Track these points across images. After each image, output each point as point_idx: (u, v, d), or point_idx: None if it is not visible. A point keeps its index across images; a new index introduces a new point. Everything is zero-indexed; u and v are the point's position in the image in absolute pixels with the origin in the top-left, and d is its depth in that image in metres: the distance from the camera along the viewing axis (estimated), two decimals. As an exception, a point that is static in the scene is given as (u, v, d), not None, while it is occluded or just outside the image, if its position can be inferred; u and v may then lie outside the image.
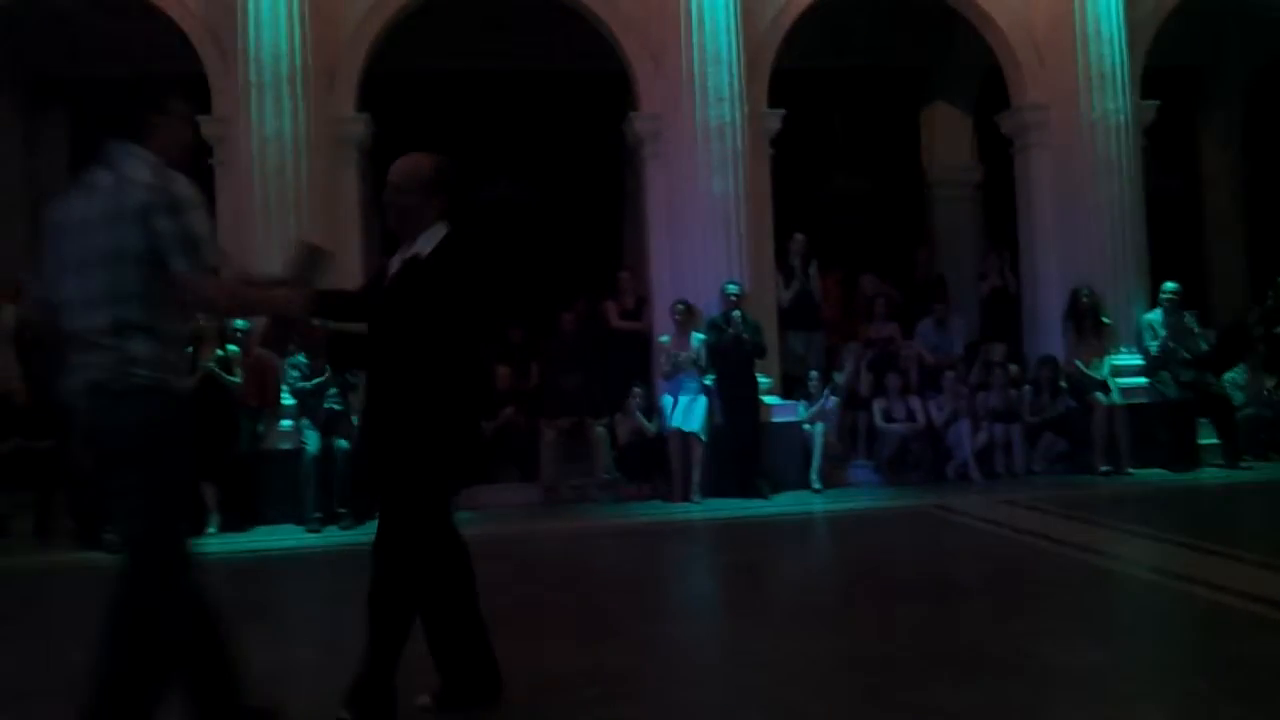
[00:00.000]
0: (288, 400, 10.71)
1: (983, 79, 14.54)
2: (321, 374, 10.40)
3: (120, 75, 13.53)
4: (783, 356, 12.27)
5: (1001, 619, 5.83)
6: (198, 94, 11.05)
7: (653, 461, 11.25)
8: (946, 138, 15.64)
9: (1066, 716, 4.30)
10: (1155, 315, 12.18)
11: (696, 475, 11.01)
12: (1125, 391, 11.91)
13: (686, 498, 10.93)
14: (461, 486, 4.36)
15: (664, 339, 11.59)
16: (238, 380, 10.33)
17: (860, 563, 8.19)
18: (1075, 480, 11.32)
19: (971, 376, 12.06)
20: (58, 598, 7.89)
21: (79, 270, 3.68)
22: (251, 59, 11.14)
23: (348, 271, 9.44)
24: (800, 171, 13.81)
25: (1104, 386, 11.81)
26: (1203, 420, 11.94)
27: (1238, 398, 12.21)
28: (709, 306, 11.48)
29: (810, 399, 11.69)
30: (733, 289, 11.31)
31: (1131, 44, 12.55)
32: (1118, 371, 12.07)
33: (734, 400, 11.26)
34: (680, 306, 11.41)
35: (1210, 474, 11.43)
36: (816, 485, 11.28)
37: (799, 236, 12.68)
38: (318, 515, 10.16)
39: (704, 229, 11.66)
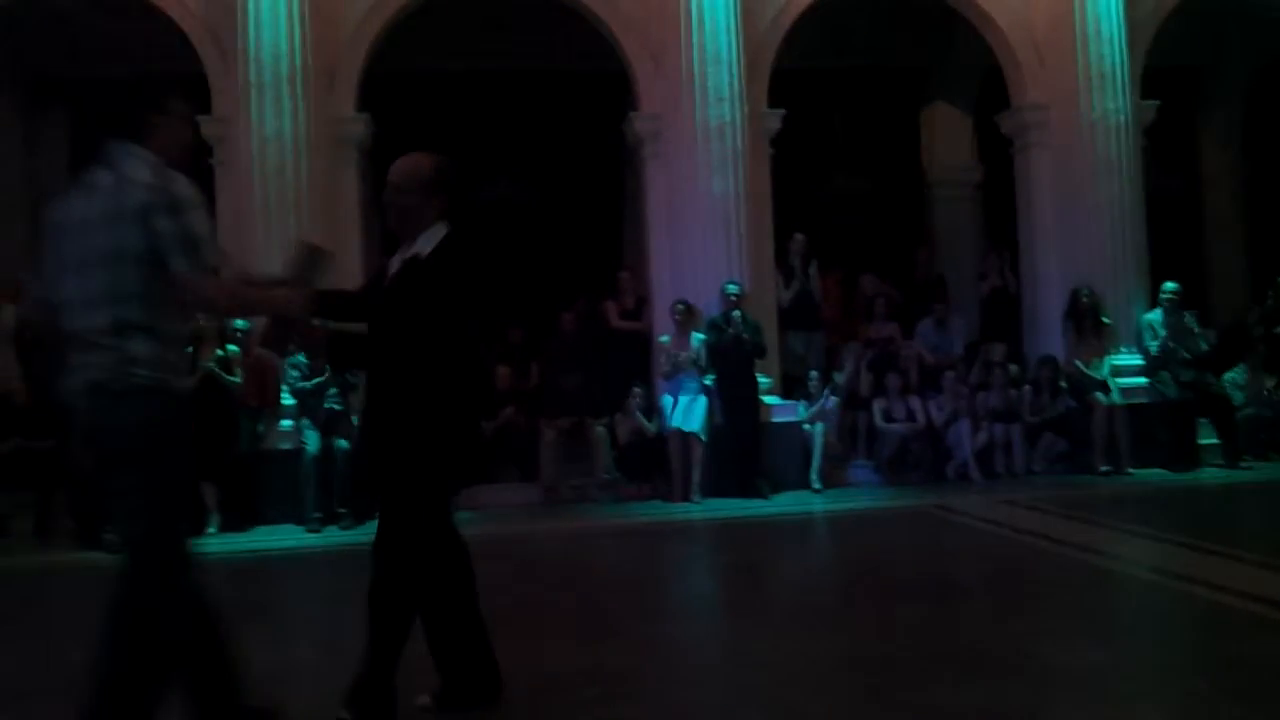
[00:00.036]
0: (288, 400, 10.71)
1: (983, 79, 14.54)
2: (321, 374, 10.40)
3: (120, 75, 13.48)
4: (783, 356, 12.26)
5: (1001, 619, 5.84)
6: (197, 94, 11.05)
7: (653, 461, 11.25)
8: (946, 138, 15.64)
9: (1066, 717, 4.30)
10: (1155, 315, 12.18)
11: (696, 475, 11.01)
12: (1125, 391, 11.91)
13: (686, 498, 10.93)
14: (461, 487, 4.36)
15: (664, 339, 11.59)
16: (238, 380, 10.33)
17: (860, 563, 8.19)
18: (1075, 480, 11.31)
19: (971, 376, 12.06)
20: (57, 598, 7.89)
21: (79, 270, 3.68)
22: (251, 59, 11.13)
23: (348, 271, 9.44)
24: (800, 171, 13.81)
25: (1104, 386, 11.81)
26: (1203, 420, 11.94)
27: (1238, 398, 12.21)
28: (709, 306, 11.48)
29: (810, 399, 11.69)
30: (733, 289, 11.31)
31: (1131, 44, 12.55)
32: (1118, 371, 12.06)
33: (734, 400, 11.26)
34: (680, 306, 11.41)
35: (1210, 474, 11.43)
36: (816, 485, 11.28)
37: (799, 236, 12.68)
38: (318, 515, 10.16)
39: (704, 229, 11.66)
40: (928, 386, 11.98)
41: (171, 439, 3.72)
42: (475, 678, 4.40)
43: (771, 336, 11.89)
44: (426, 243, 4.23)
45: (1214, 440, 11.86)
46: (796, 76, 12.92)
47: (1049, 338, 12.58)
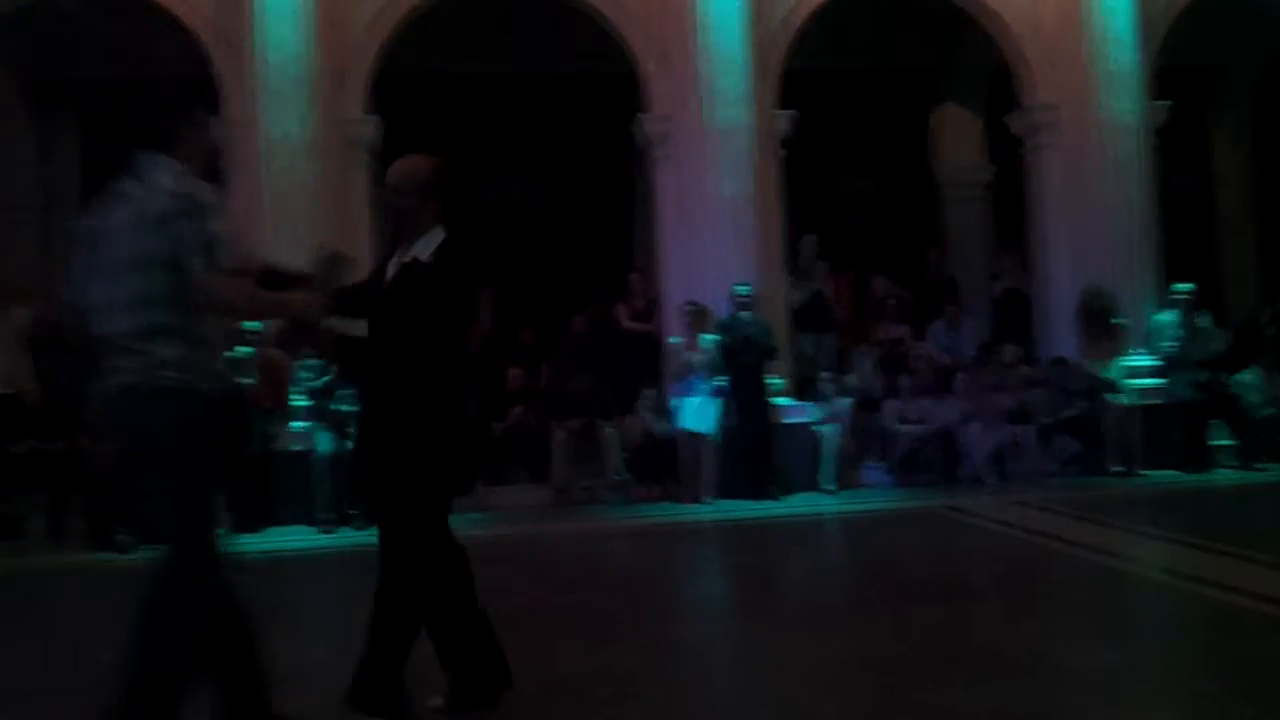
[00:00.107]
0: (299, 401, 10.73)
1: (991, 79, 14.51)
2: (330, 374, 10.41)
3: (130, 79, 13.62)
4: (794, 358, 12.25)
5: (1014, 620, 5.82)
6: (208, 97, 11.08)
7: (663, 463, 11.24)
8: (956, 138, 15.62)
9: (1078, 718, 4.28)
10: (1168, 316, 12.14)
11: (707, 476, 11.00)
12: (1138, 392, 11.87)
13: (697, 499, 10.91)
14: (459, 493, 4.35)
15: (675, 340, 11.59)
16: (251, 381, 10.35)
17: (872, 564, 8.17)
18: (1088, 482, 11.27)
19: (984, 378, 12.03)
20: (69, 599, 7.92)
21: (109, 276, 3.74)
22: (262, 61, 11.17)
23: (359, 274, 9.44)
24: (810, 172, 13.80)
25: (1117, 388, 11.78)
26: (1216, 421, 11.89)
27: (1253, 398, 12.15)
28: (719, 308, 11.47)
29: (821, 400, 11.66)
30: (743, 290, 11.30)
31: (1143, 44, 12.51)
32: (1130, 372, 12.02)
33: (745, 402, 11.25)
34: (690, 308, 11.40)
35: (1223, 475, 11.38)
36: (828, 486, 11.27)
37: (810, 238, 12.67)
38: (330, 516, 10.17)
39: (714, 230, 11.66)
40: (940, 388, 11.96)
41: (201, 441, 3.77)
42: (483, 673, 4.40)
43: (782, 338, 11.88)
44: (424, 247, 4.21)
45: (1227, 441, 11.81)
46: (806, 77, 12.91)
47: (1061, 338, 12.55)
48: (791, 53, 12.38)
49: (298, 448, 10.55)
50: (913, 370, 12.00)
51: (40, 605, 7.77)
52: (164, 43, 12.19)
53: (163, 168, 3.75)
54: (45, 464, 10.50)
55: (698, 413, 11.11)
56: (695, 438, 11.06)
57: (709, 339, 11.31)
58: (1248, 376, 12.36)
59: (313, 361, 10.39)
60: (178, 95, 4.03)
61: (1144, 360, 12.19)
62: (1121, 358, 12.06)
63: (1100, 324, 12.07)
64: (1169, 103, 12.88)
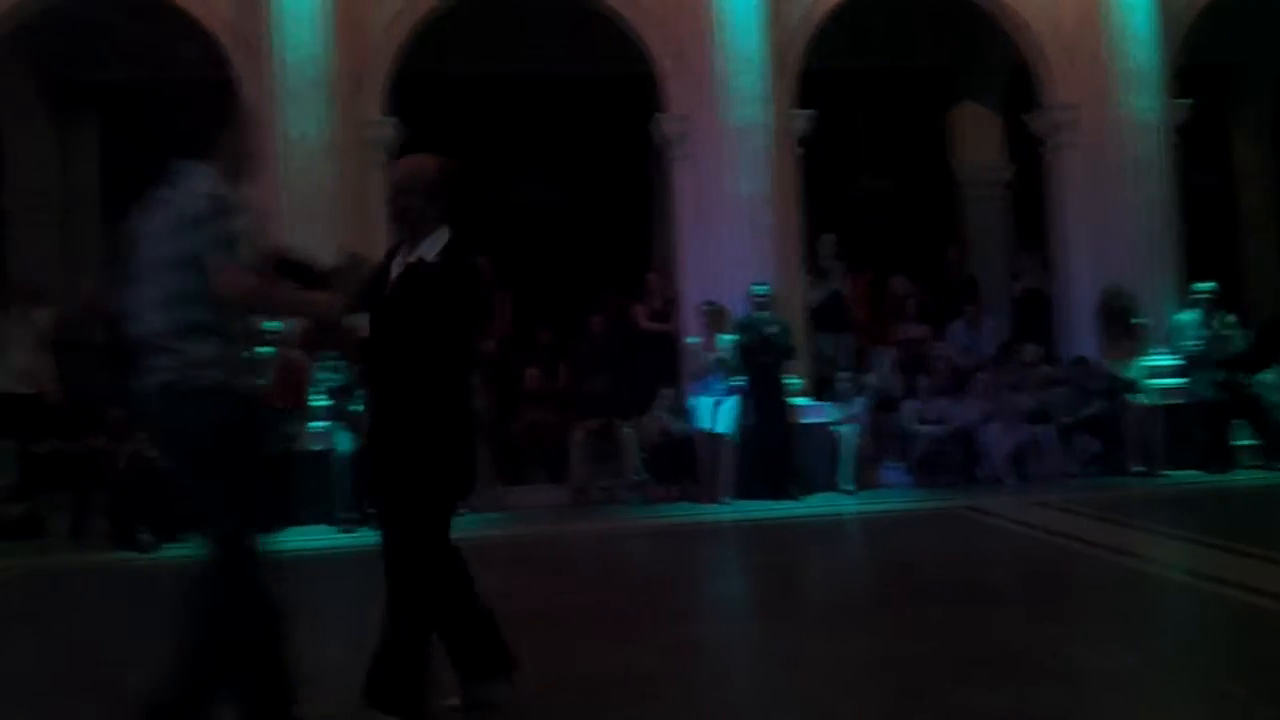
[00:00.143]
0: (319, 401, 10.76)
1: (1011, 78, 14.45)
2: (349, 374, 10.43)
3: (150, 81, 13.69)
4: (812, 358, 12.23)
5: (1034, 621, 5.80)
6: (226, 99, 11.11)
7: (682, 463, 11.23)
8: (975, 137, 15.55)
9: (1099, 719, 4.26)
10: (1189, 315, 12.07)
11: (726, 477, 10.99)
12: (1160, 392, 11.81)
13: (715, 499, 10.90)
14: (462, 495, 4.35)
15: (693, 340, 11.58)
16: (264, 381, 10.37)
17: (892, 564, 8.15)
18: (1109, 482, 11.21)
19: (1004, 377, 11.99)
20: (91, 598, 7.96)
21: (147, 277, 3.81)
22: (280, 63, 11.21)
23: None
24: (828, 172, 13.77)
25: (1138, 387, 11.72)
26: (1238, 421, 11.82)
27: (1273, 398, 12.06)
28: (737, 307, 11.46)
29: (841, 400, 11.64)
30: (761, 290, 11.29)
31: (1163, 42, 12.45)
32: (1152, 372, 11.96)
33: (763, 401, 11.24)
34: (708, 308, 11.40)
35: (1245, 475, 11.30)
36: (847, 487, 11.24)
37: (828, 237, 12.65)
38: (350, 515, 10.19)
39: (732, 230, 11.65)
40: (959, 388, 11.92)
41: (239, 439, 3.80)
42: (488, 660, 4.40)
43: (801, 338, 11.86)
44: (430, 247, 4.19)
45: (1249, 441, 11.74)
46: (824, 77, 12.89)
47: (1082, 338, 12.50)
48: (809, 52, 12.35)
49: (318, 447, 10.58)
50: (932, 370, 11.96)
51: (62, 604, 7.82)
52: (183, 45, 12.24)
53: (198, 173, 3.80)
54: (67, 464, 10.57)
55: (716, 413, 11.10)
56: (714, 438, 11.05)
57: (727, 339, 11.30)
58: (1269, 376, 12.26)
59: (332, 362, 10.42)
60: (211, 101, 4.13)
61: (1165, 360, 12.13)
62: (1142, 357, 12.00)
63: (1121, 323, 12.02)
64: (1190, 101, 12.81)
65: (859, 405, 11.62)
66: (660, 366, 11.91)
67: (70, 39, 13.35)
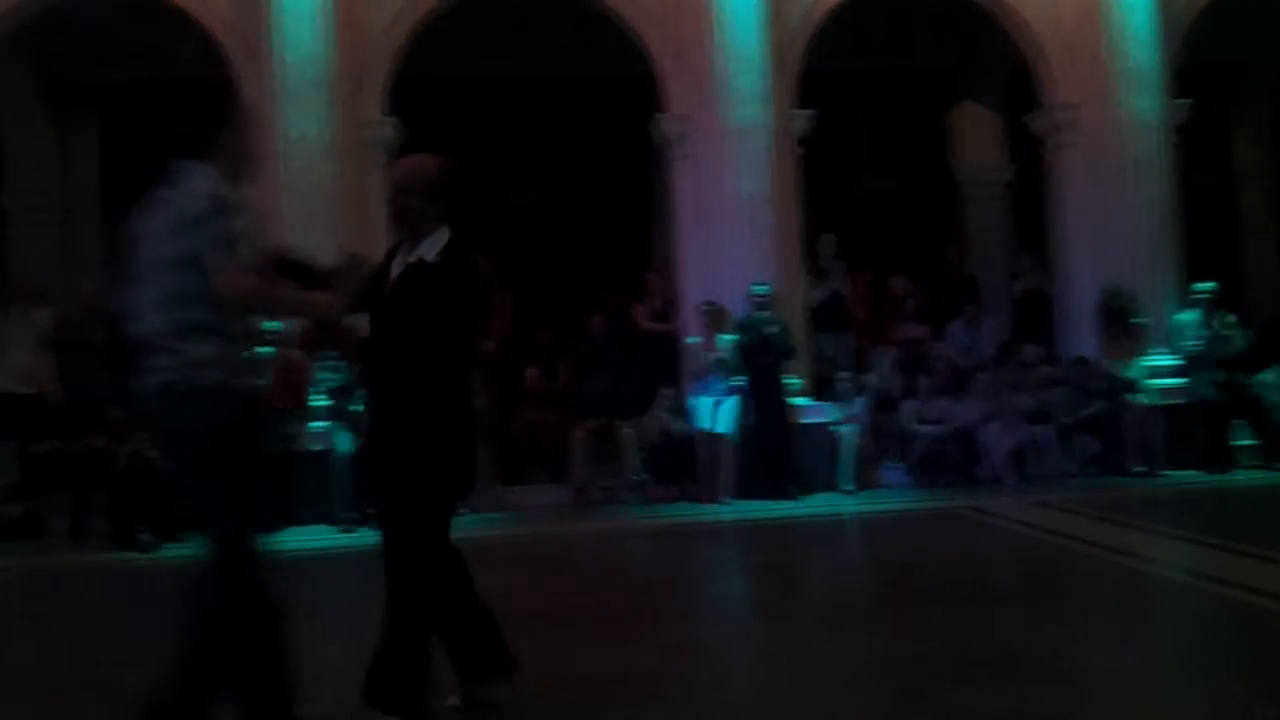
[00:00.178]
0: (319, 401, 10.76)
1: (1011, 78, 14.45)
2: (349, 374, 10.44)
3: (150, 81, 13.69)
4: (812, 358, 12.23)
5: (1034, 621, 5.79)
6: (226, 99, 11.12)
7: (682, 463, 11.23)
8: (975, 137, 15.55)
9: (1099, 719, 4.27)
10: (1190, 315, 12.08)
11: (726, 477, 10.99)
12: (1160, 392, 11.81)
13: (715, 499, 10.91)
14: (462, 495, 4.36)
15: (693, 340, 11.58)
16: (263, 381, 10.37)
17: (891, 564, 8.15)
18: (1109, 482, 11.21)
19: (1004, 377, 11.99)
20: (92, 598, 7.96)
21: (147, 277, 3.81)
22: (280, 63, 11.21)
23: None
24: (828, 172, 13.77)
25: (1137, 387, 11.72)
26: (1238, 421, 11.82)
27: (1273, 398, 12.06)
28: (737, 307, 11.46)
29: (841, 400, 11.64)
30: (761, 290, 11.29)
31: (1163, 42, 12.45)
32: (1152, 372, 11.96)
33: (763, 402, 11.24)
34: (708, 308, 11.40)
35: (1245, 476, 11.30)
36: (847, 487, 11.24)
37: (828, 237, 12.65)
38: (351, 515, 10.19)
39: (732, 230, 11.66)
40: (959, 388, 11.91)
41: (239, 439, 3.81)
42: (488, 660, 4.40)
43: (801, 338, 11.86)
44: (430, 247, 4.19)
45: (1249, 441, 11.74)
46: (823, 77, 12.89)
47: (1082, 338, 12.50)
48: (810, 52, 12.35)
49: (318, 447, 10.58)
50: (932, 370, 11.96)
51: (62, 604, 7.82)
52: (183, 45, 12.24)
53: (198, 173, 3.80)
54: (67, 464, 10.57)
55: (716, 413, 11.10)
56: (714, 438, 11.05)
57: (727, 339, 11.30)
58: (1269, 376, 12.26)
59: (332, 362, 10.42)
60: (211, 101, 4.15)
61: (1165, 360, 12.13)
62: (1142, 357, 12.00)
63: (1121, 323, 12.02)
64: (1190, 101, 12.81)
65: (859, 405, 11.62)
66: (660, 366, 11.91)
67: (70, 39, 13.34)
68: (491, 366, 11.54)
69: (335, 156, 11.25)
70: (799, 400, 11.63)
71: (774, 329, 11.24)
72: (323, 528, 10.19)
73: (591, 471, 11.26)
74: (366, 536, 9.74)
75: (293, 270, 4.15)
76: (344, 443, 10.35)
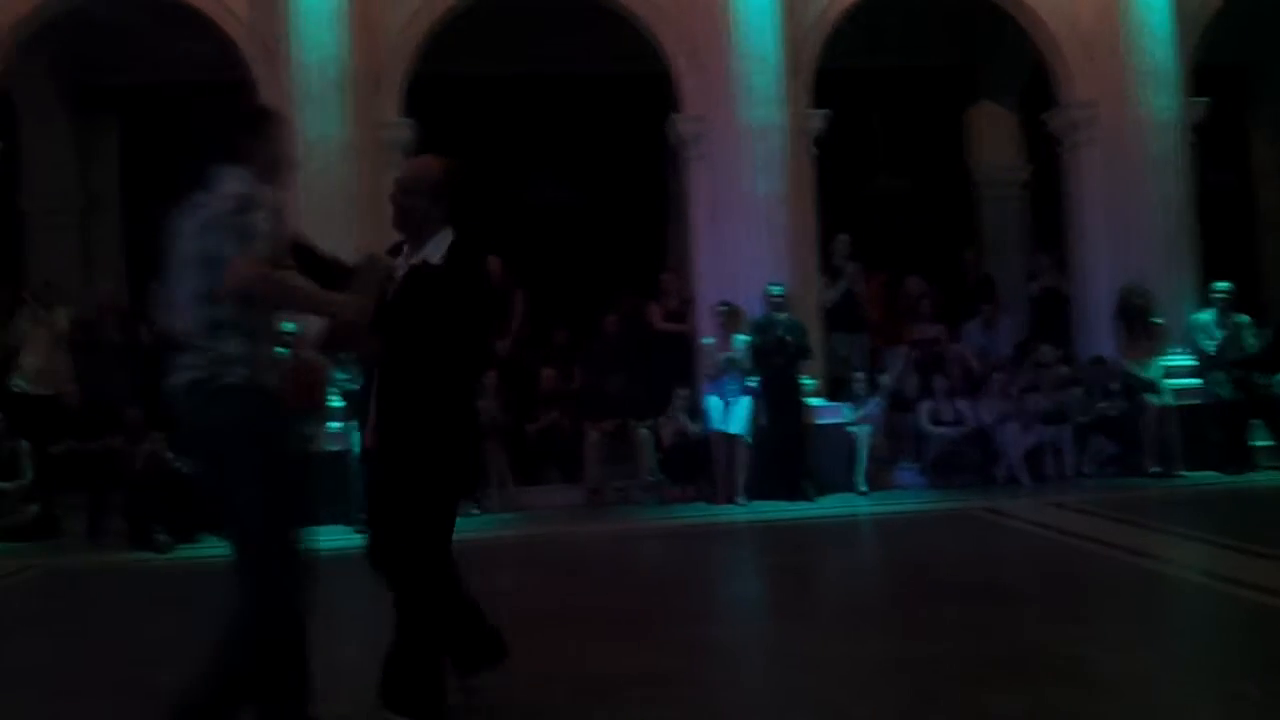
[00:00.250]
0: (337, 403, 10.79)
1: (1028, 76, 14.41)
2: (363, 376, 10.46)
3: (169, 83, 13.77)
4: (827, 358, 12.22)
5: (1049, 622, 5.78)
6: (260, 105, 11.16)
7: (697, 463, 11.23)
8: (992, 136, 15.50)
9: (1115, 721, 4.26)
10: (1207, 315, 12.02)
11: (741, 477, 10.99)
12: (1177, 393, 11.76)
13: (730, 500, 10.90)
14: (463, 495, 4.37)
15: (708, 340, 11.58)
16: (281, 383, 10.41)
17: (907, 565, 8.13)
18: (1125, 483, 11.17)
19: (1021, 378, 11.96)
20: (108, 598, 7.99)
21: (179, 277, 3.86)
22: (298, 65, 11.25)
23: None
24: (844, 172, 13.75)
25: (1155, 388, 11.67)
26: (1256, 421, 11.77)
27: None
28: (752, 308, 11.45)
29: (855, 401, 11.62)
30: (776, 290, 11.28)
31: (1180, 40, 12.39)
32: (1169, 372, 11.91)
33: (778, 402, 11.23)
34: (723, 308, 11.40)
35: (1263, 476, 11.24)
36: (862, 487, 11.22)
37: (843, 237, 12.63)
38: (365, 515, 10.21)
39: (747, 230, 11.65)
40: (975, 388, 11.88)
41: (266, 436, 3.83)
42: (479, 651, 4.41)
43: (816, 338, 11.85)
44: (435, 249, 4.19)
45: (1267, 442, 11.68)
46: (839, 76, 12.87)
47: (1099, 338, 12.45)
48: (825, 51, 12.34)
49: (335, 448, 10.61)
50: (947, 371, 11.93)
51: (79, 605, 7.86)
52: (201, 47, 12.32)
53: (230, 175, 3.83)
54: (84, 464, 10.63)
55: (731, 413, 11.10)
56: (728, 438, 11.04)
57: (742, 339, 11.30)
58: (1288, 377, 12.21)
59: (350, 363, 10.44)
60: (246, 106, 4.14)
61: (1182, 360, 12.08)
62: (1160, 357, 11.95)
63: (1138, 323, 11.96)
64: (1207, 99, 12.75)
65: (874, 406, 11.61)
66: (675, 367, 11.91)
67: (90, 43, 13.43)
68: (507, 367, 11.58)
69: (352, 157, 11.28)
70: (814, 401, 11.62)
71: (789, 329, 11.22)
72: (340, 528, 10.21)
73: (606, 472, 11.28)
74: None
75: (313, 267, 4.15)
76: (360, 444, 10.36)
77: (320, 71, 11.24)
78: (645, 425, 11.28)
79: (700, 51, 12.08)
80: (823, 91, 12.40)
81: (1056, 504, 9.94)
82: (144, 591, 8.20)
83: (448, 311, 4.12)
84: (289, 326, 10.32)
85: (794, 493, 10.91)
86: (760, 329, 11.28)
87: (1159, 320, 12.02)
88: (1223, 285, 12.03)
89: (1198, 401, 11.80)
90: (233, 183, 3.80)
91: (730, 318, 11.37)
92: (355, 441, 10.41)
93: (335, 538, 9.83)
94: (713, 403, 11.26)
